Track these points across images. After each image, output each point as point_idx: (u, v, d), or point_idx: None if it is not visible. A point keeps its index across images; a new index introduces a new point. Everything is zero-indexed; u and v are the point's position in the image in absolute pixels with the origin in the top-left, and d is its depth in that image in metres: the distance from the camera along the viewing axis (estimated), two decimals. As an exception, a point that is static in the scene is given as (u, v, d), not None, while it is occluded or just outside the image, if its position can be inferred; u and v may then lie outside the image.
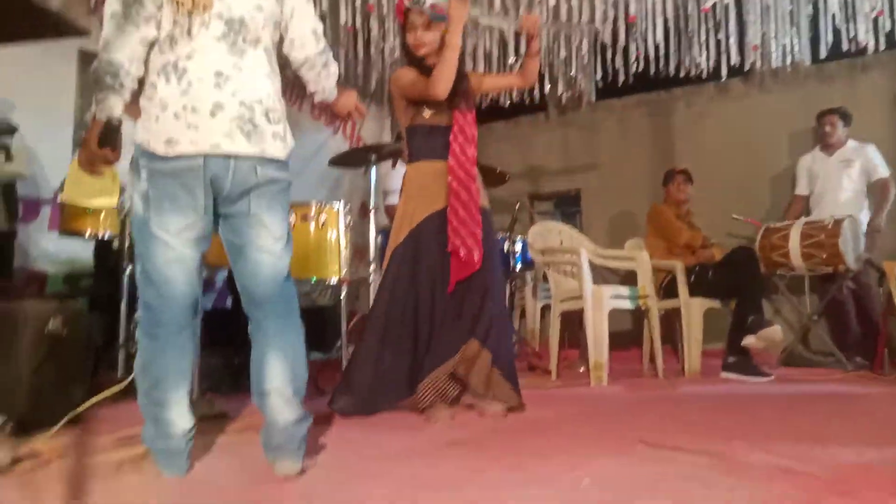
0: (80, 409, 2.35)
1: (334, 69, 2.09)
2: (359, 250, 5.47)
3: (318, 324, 5.45)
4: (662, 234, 4.49)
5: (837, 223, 4.21)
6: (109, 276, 3.43)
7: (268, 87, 1.82)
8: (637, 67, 5.35)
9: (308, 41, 1.96)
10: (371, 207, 3.72)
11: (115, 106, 1.66)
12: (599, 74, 5.59)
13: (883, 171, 4.59)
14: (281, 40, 1.94)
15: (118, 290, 3.27)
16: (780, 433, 2.26)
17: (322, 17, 4.62)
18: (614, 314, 3.84)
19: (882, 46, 4.77)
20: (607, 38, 5.09)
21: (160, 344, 1.76)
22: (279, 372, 1.79)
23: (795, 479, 1.60)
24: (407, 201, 2.82)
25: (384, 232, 4.28)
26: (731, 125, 5.86)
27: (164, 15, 1.72)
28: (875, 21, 4.67)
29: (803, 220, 4.49)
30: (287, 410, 1.78)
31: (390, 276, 2.76)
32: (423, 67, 2.77)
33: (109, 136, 1.70)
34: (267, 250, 1.82)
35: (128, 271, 3.19)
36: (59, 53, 4.51)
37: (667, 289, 4.28)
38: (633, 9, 4.50)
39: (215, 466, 1.92)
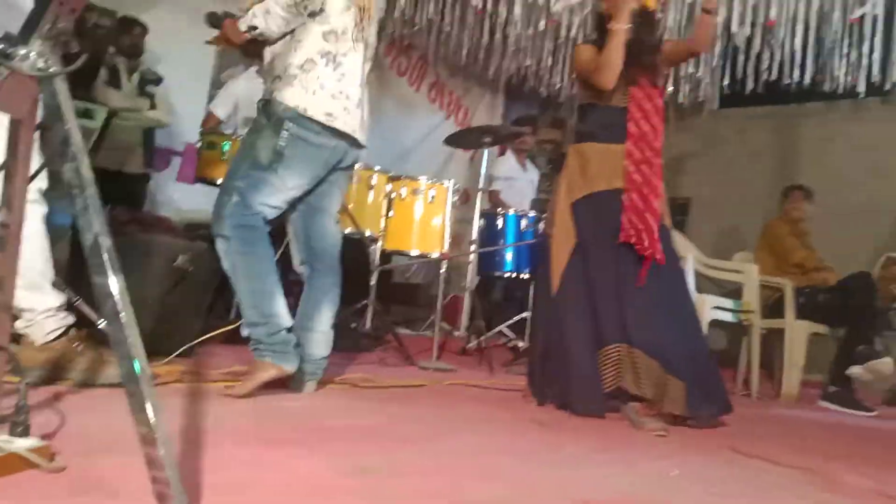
0: (196, 341, 2.55)
1: None
2: (456, 236, 5.56)
3: (410, 300, 5.58)
4: (774, 250, 4.32)
5: (970, 261, 3.92)
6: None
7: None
8: (769, 76, 5.14)
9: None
10: (479, 189, 3.77)
11: None
12: (727, 80, 5.40)
13: None
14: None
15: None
16: (881, 461, 2.16)
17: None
18: (710, 330, 3.73)
19: None
20: (740, 42, 4.91)
21: (259, 248, 2.07)
22: (327, 318, 2.25)
23: (895, 505, 1.54)
24: (566, 186, 2.55)
25: (487, 216, 4.34)
26: (863, 148, 5.53)
27: (332, 11, 2.12)
28: None
29: (931, 253, 4.20)
30: (325, 348, 2.24)
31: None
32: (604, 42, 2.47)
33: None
34: (335, 217, 2.31)
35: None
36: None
37: (772, 308, 4.11)
38: (773, 13, 4.30)
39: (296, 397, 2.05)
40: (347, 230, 3.45)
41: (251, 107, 3.95)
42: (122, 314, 0.99)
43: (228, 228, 2.06)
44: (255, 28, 2.14)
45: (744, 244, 5.09)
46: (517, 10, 4.36)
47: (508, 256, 4.35)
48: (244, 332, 2.11)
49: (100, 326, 2.23)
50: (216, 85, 4.87)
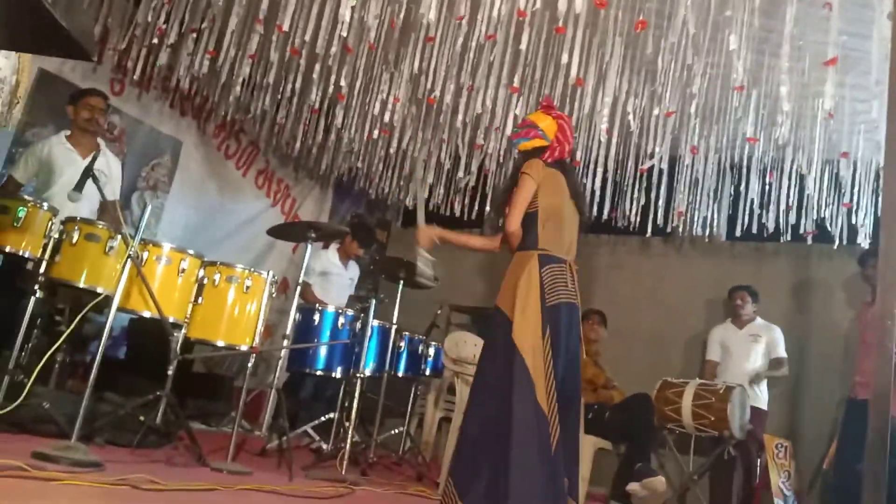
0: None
1: None
2: (270, 325, 5.40)
3: (210, 393, 5.20)
4: (570, 366, 4.64)
5: (729, 389, 4.46)
6: (10, 297, 3.24)
7: None
8: (571, 207, 5.69)
9: None
10: (298, 283, 3.70)
11: None
12: (536, 205, 5.88)
13: (782, 352, 5.02)
14: None
15: (13, 314, 3.10)
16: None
17: (292, 93, 4.76)
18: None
19: (788, 237, 5.28)
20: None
21: None
22: None
23: None
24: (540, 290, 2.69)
25: (304, 310, 4.28)
26: (648, 281, 6.22)
27: None
28: (785, 213, 5.17)
29: (698, 380, 4.74)
30: None
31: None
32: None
33: None
34: None
35: (36, 296, 3.04)
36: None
37: (564, 421, 4.37)
38: (578, 154, 4.84)
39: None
40: (147, 313, 3.21)
41: (56, 172, 3.68)
42: None
43: None
44: None
45: (544, 359, 5.42)
46: (353, 115, 4.51)
47: (322, 352, 4.27)
48: None
49: None
50: (20, 143, 4.46)
